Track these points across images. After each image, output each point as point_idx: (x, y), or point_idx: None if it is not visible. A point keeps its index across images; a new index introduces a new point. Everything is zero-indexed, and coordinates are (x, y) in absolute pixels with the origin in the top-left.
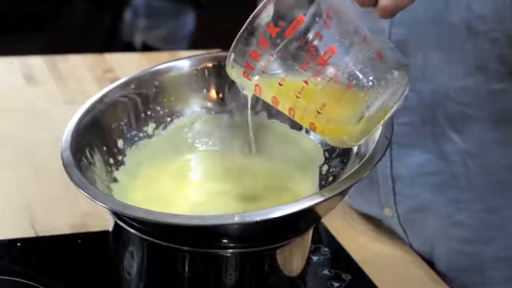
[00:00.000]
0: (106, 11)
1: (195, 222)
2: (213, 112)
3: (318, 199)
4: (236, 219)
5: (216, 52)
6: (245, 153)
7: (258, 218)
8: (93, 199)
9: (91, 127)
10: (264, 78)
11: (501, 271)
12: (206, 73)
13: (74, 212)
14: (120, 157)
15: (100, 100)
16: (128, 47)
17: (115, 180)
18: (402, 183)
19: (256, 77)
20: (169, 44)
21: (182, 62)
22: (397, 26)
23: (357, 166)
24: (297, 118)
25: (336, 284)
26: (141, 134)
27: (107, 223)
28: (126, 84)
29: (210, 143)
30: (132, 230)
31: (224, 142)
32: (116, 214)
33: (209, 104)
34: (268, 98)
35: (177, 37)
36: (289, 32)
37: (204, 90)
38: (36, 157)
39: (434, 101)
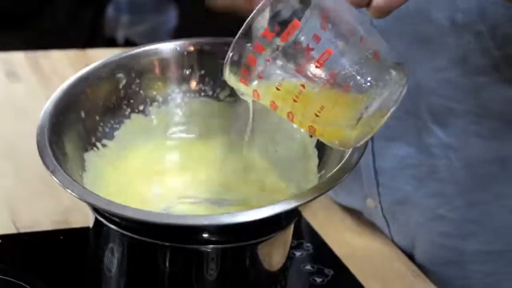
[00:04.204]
0: (88, 7)
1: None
2: (193, 97)
3: (300, 201)
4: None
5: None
6: (225, 141)
7: (233, 221)
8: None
9: (66, 112)
10: (262, 83)
11: (482, 265)
12: (187, 57)
13: (56, 208)
14: (95, 143)
15: (75, 84)
16: (111, 43)
17: (87, 167)
18: (385, 175)
19: (254, 83)
20: (152, 39)
21: (162, 46)
22: (379, 19)
23: (339, 165)
24: (296, 122)
25: (318, 279)
26: (118, 120)
27: (89, 219)
28: (103, 67)
29: (188, 130)
30: (112, 226)
31: (203, 129)
32: (96, 209)
33: (189, 89)
34: (266, 103)
35: (160, 33)
36: (285, 36)
37: (184, 75)
38: (17, 153)
39: (417, 94)
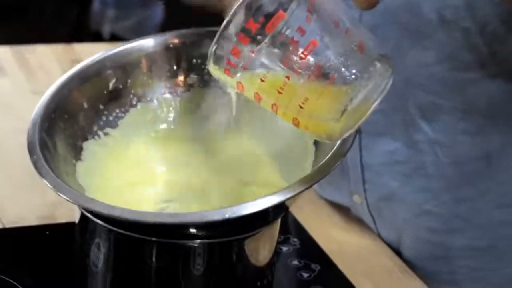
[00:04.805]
0: (74, 1)
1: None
2: (179, 93)
3: (287, 195)
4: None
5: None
6: (211, 136)
7: (218, 218)
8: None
9: (54, 114)
10: (246, 75)
11: (468, 260)
12: (172, 52)
13: (42, 204)
14: (78, 155)
15: (64, 85)
16: (97, 37)
17: (77, 163)
18: (371, 171)
19: (238, 74)
20: (138, 34)
21: (146, 42)
22: (367, 14)
23: (326, 158)
24: (280, 114)
25: (305, 275)
26: (105, 118)
27: (75, 214)
28: (89, 67)
29: (173, 126)
30: (98, 221)
31: (189, 125)
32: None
33: (175, 85)
34: (250, 95)
35: (146, 28)
36: (270, 27)
37: (170, 70)
38: (2, 147)
39: (405, 89)
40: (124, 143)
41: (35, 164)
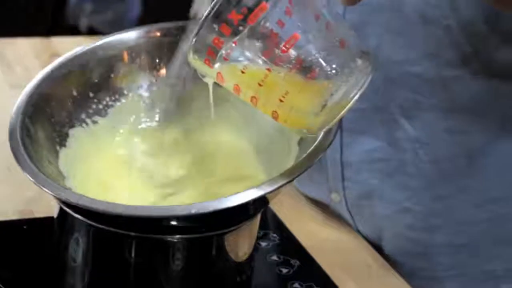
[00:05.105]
0: None
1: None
2: (160, 86)
3: (266, 190)
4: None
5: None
6: (194, 129)
7: (195, 211)
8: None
9: (41, 99)
10: (226, 66)
11: (447, 257)
12: (155, 45)
13: (19, 198)
14: (64, 137)
15: (45, 78)
16: (74, 31)
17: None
18: (351, 169)
19: (218, 65)
20: (116, 28)
21: (126, 35)
22: (351, 11)
23: (307, 152)
24: (259, 107)
25: (284, 270)
26: (87, 112)
27: (54, 209)
28: (71, 60)
29: (155, 119)
30: (77, 216)
31: (172, 118)
32: (61, 200)
33: (156, 78)
34: (230, 86)
35: (123, 22)
36: (251, 19)
37: (150, 63)
38: None
39: (387, 88)
40: (111, 133)
41: (14, 152)
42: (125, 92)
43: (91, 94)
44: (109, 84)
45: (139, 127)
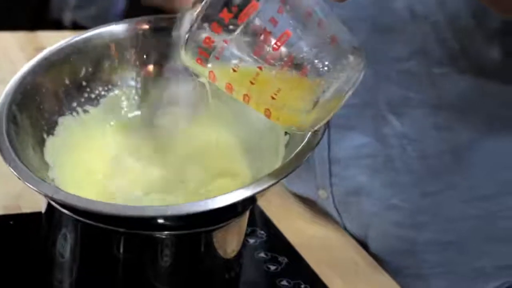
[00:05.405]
0: None
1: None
2: (150, 80)
3: (255, 190)
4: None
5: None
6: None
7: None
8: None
9: (24, 95)
10: (218, 64)
11: (434, 255)
12: (141, 38)
13: (6, 193)
14: (53, 125)
15: (32, 70)
16: (58, 26)
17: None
18: (338, 165)
19: (210, 64)
20: (100, 22)
21: (115, 27)
22: (339, 7)
23: (296, 151)
24: (251, 105)
25: (272, 267)
26: (78, 100)
27: (41, 204)
28: (58, 52)
29: (143, 113)
30: (65, 211)
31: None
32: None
33: (146, 71)
34: (222, 85)
35: (108, 16)
36: (242, 17)
37: (139, 57)
38: None
39: (375, 84)
40: (101, 123)
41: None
42: (119, 83)
43: (83, 83)
44: (102, 75)
45: (130, 119)
